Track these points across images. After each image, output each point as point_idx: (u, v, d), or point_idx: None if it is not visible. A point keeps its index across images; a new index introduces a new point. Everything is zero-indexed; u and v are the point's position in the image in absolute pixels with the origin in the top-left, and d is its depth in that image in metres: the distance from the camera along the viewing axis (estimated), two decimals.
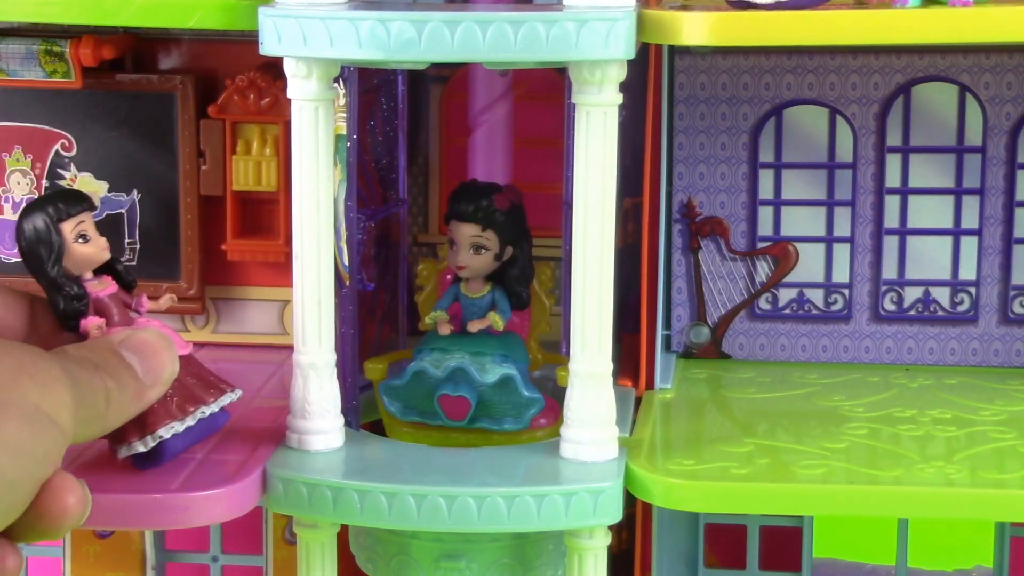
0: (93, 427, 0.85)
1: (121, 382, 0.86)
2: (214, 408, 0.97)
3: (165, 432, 0.94)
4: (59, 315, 0.95)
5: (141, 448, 0.94)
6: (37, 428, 0.78)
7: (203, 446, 0.99)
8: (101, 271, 0.97)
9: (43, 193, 1.19)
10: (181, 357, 0.93)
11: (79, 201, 0.95)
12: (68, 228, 0.94)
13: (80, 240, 0.95)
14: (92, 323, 0.95)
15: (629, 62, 0.94)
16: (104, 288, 0.96)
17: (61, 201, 0.95)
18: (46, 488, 0.80)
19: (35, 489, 0.79)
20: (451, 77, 1.24)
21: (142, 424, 0.93)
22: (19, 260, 1.19)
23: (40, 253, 0.94)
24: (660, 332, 1.14)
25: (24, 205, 0.96)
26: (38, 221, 0.94)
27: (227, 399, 0.98)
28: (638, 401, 1.11)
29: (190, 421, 0.95)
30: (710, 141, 1.19)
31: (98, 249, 0.96)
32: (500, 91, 1.17)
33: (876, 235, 1.19)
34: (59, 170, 1.20)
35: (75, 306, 0.95)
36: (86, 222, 0.95)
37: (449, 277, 1.10)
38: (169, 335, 0.92)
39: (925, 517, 1.11)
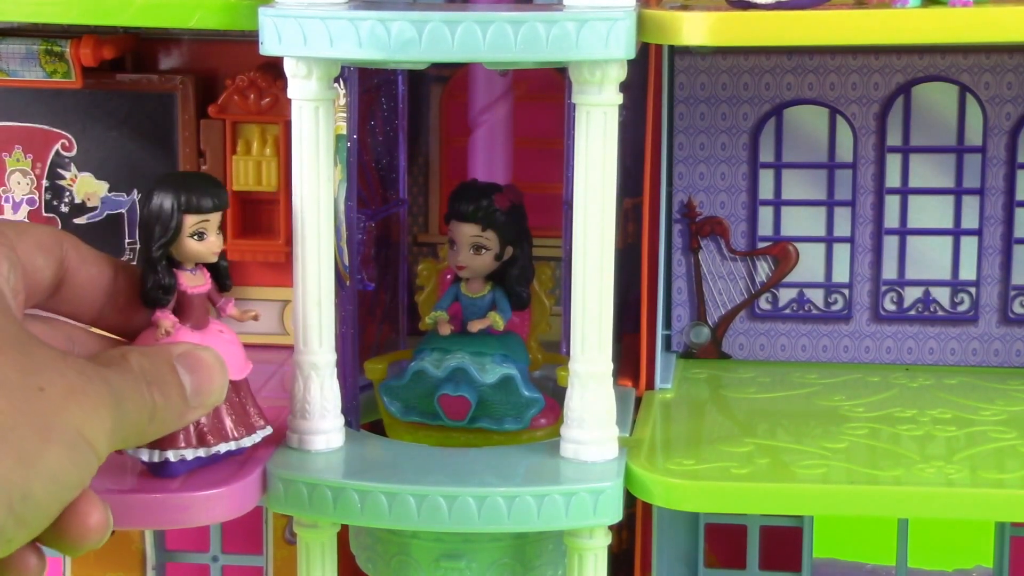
0: (130, 442, 0.85)
1: (169, 400, 0.86)
2: (232, 446, 0.96)
3: (172, 456, 0.93)
4: (141, 294, 0.93)
5: (144, 457, 0.93)
6: (76, 456, 0.77)
7: None
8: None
9: (43, 195, 1.19)
10: (232, 382, 0.91)
11: (214, 197, 0.93)
12: (191, 221, 0.93)
13: (196, 237, 0.93)
14: (165, 321, 0.93)
15: (629, 62, 0.94)
16: (197, 285, 0.95)
17: (197, 193, 0.93)
18: (70, 508, 0.80)
19: (60, 510, 0.79)
20: (451, 77, 1.24)
21: None
22: None
23: (153, 231, 0.92)
24: (660, 332, 1.14)
25: (168, 173, 0.94)
26: (167, 202, 0.92)
27: (249, 442, 0.97)
28: (638, 401, 1.11)
29: (202, 453, 0.94)
30: (710, 141, 1.19)
31: (210, 250, 0.94)
32: (500, 91, 1.16)
33: (876, 235, 1.19)
34: (59, 170, 1.20)
35: (158, 295, 0.93)
36: (211, 220, 0.93)
37: (449, 277, 1.10)
38: (227, 360, 0.90)
39: (925, 517, 1.11)
